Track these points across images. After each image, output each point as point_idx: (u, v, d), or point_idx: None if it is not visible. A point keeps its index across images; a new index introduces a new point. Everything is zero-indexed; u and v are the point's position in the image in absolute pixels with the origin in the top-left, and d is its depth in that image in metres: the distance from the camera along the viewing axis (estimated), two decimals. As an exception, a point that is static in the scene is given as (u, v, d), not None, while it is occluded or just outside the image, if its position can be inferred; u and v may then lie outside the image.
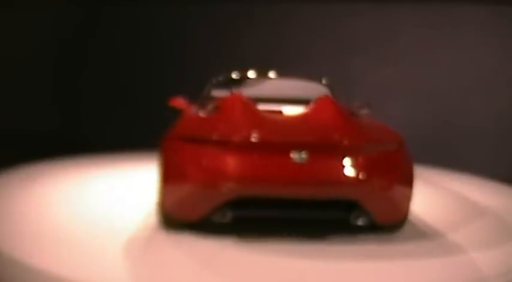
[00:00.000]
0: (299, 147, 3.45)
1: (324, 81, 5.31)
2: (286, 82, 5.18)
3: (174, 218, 3.70)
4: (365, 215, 3.55)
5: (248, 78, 5.34)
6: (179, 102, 5.16)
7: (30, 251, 3.35)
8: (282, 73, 5.38)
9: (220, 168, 3.45)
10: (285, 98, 4.73)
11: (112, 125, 8.88)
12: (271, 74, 5.37)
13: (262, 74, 5.39)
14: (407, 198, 3.71)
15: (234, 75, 5.45)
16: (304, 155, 3.43)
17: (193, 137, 3.62)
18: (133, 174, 6.00)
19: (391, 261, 3.35)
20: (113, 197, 4.94)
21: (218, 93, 5.14)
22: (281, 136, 3.64)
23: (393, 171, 3.64)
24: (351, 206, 3.55)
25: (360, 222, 3.60)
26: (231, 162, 3.44)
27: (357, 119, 4.43)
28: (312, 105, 4.32)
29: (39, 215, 4.23)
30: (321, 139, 3.62)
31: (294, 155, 3.44)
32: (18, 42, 9.30)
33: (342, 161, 3.50)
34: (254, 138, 3.50)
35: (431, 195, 5.21)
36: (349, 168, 3.49)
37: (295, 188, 3.47)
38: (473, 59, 7.78)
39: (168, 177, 3.66)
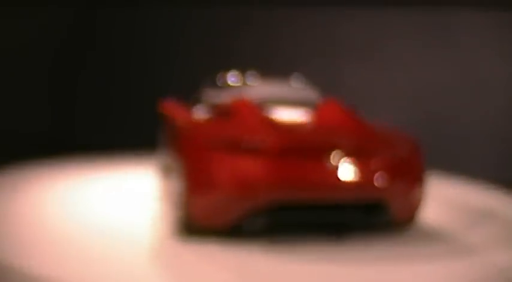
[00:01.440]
0: (334, 152, 3.49)
1: (295, 79, 5.30)
2: (272, 85, 5.14)
3: (201, 226, 3.60)
4: (388, 215, 3.66)
5: (232, 81, 5.25)
6: (170, 106, 5.11)
7: (24, 253, 3.30)
8: (265, 75, 5.36)
9: (257, 174, 3.42)
10: (276, 100, 4.69)
11: (106, 126, 8.81)
12: (253, 76, 5.33)
13: (244, 77, 5.33)
14: (422, 198, 3.87)
15: (223, 79, 5.35)
16: (338, 160, 3.46)
17: (224, 145, 3.51)
18: (130, 176, 5.98)
19: (409, 263, 3.44)
20: (110, 199, 4.89)
21: (211, 96, 5.09)
22: (315, 141, 3.67)
23: (414, 172, 3.81)
24: (374, 207, 3.65)
25: (382, 221, 3.72)
26: (268, 169, 3.42)
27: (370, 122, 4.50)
28: (321, 109, 4.38)
29: (34, 216, 4.18)
30: (353, 144, 3.69)
31: (329, 160, 3.46)
32: (12, 44, 9.23)
33: (373, 164, 3.59)
34: (289, 144, 3.52)
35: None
36: (380, 171, 3.59)
37: (330, 191, 3.51)
38: (465, 63, 7.80)
39: (198, 185, 3.56)
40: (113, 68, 9.14)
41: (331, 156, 3.48)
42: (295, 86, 5.24)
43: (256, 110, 4.14)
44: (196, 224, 3.59)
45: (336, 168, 3.46)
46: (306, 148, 3.55)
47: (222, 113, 4.33)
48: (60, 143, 8.38)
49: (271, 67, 7.57)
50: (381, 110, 7.21)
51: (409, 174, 3.76)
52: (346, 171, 3.47)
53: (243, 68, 5.90)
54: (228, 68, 5.93)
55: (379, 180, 3.57)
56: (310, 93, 5.17)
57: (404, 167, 3.73)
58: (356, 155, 3.56)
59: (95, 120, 9.10)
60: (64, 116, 9.38)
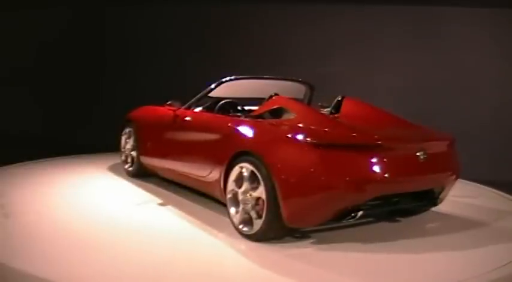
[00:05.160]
0: (421, 147, 3.72)
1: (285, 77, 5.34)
2: (269, 83, 5.11)
3: (296, 225, 3.63)
4: (438, 201, 4.12)
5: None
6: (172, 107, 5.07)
7: (24, 254, 3.28)
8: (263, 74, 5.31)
9: (366, 171, 3.46)
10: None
11: (106, 126, 8.76)
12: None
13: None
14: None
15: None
16: (425, 154, 3.69)
17: (326, 143, 3.48)
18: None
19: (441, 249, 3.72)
20: (110, 198, 4.91)
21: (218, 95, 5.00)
22: (404, 137, 3.94)
23: (457, 162, 4.18)
24: (428, 193, 4.01)
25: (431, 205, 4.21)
26: (375, 165, 3.47)
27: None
28: (348, 107, 4.56)
29: (35, 216, 4.14)
30: (429, 139, 4.03)
31: (419, 154, 3.67)
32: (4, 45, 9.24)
33: (443, 156, 3.96)
34: (386, 139, 3.61)
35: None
36: (448, 161, 4.02)
37: (419, 182, 3.82)
38: (454, 61, 7.86)
39: (299, 186, 3.47)
40: (112, 69, 9.12)
41: (415, 150, 3.68)
42: (285, 84, 5.25)
43: (310, 106, 4.27)
44: (289, 225, 3.57)
45: (420, 160, 3.67)
46: (396, 143, 3.70)
47: (275, 112, 4.31)
48: (57, 144, 8.38)
49: (265, 65, 7.63)
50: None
51: (455, 163, 4.13)
52: (428, 162, 3.70)
53: (238, 67, 5.86)
54: (225, 68, 5.89)
55: (450, 169, 4.01)
56: (300, 90, 5.34)
57: (453, 157, 4.12)
58: (436, 149, 3.86)
59: (84, 121, 9.09)
60: (54, 117, 9.37)
